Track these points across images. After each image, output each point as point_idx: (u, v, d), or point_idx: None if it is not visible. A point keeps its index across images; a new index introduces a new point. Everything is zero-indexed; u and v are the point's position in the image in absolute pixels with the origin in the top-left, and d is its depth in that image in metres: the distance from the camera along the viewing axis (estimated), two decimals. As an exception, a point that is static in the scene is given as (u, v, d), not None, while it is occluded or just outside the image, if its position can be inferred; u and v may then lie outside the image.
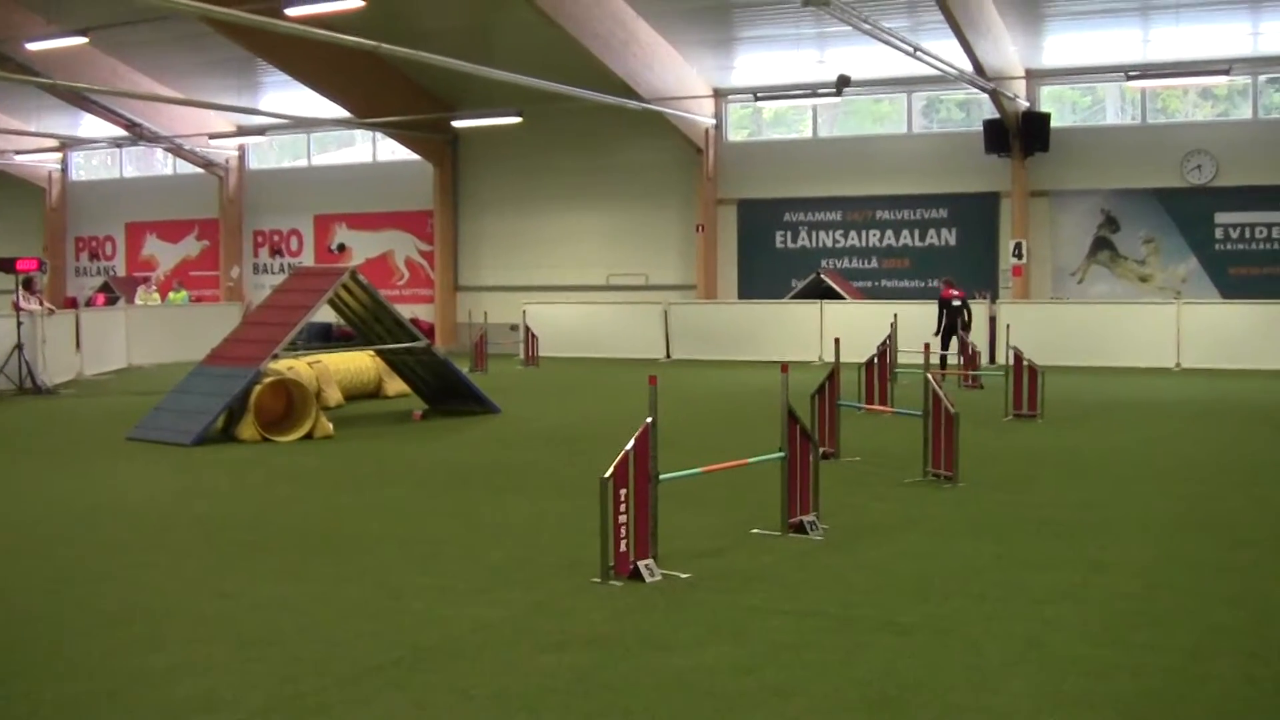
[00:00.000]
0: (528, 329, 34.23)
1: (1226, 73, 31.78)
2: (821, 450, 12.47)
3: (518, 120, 36.08)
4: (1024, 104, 34.64)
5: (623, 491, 8.72)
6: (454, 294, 43.02)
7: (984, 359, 28.25)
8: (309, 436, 17.62)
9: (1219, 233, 34.29)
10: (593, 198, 40.65)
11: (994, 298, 32.84)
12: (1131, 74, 32.50)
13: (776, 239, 38.73)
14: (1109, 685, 6.64)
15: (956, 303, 27.25)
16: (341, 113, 40.05)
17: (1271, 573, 9.25)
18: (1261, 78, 34.36)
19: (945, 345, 23.33)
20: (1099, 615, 8.05)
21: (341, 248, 44.77)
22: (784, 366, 10.53)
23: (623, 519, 8.73)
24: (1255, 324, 29.80)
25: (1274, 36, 32.87)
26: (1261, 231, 33.88)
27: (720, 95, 38.83)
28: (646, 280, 39.58)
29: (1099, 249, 35.42)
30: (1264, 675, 6.77)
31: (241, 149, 46.46)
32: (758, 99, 36.14)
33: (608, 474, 8.62)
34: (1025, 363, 19.69)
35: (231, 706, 6.39)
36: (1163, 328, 30.22)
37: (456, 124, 39.36)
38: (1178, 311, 30.34)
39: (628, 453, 8.75)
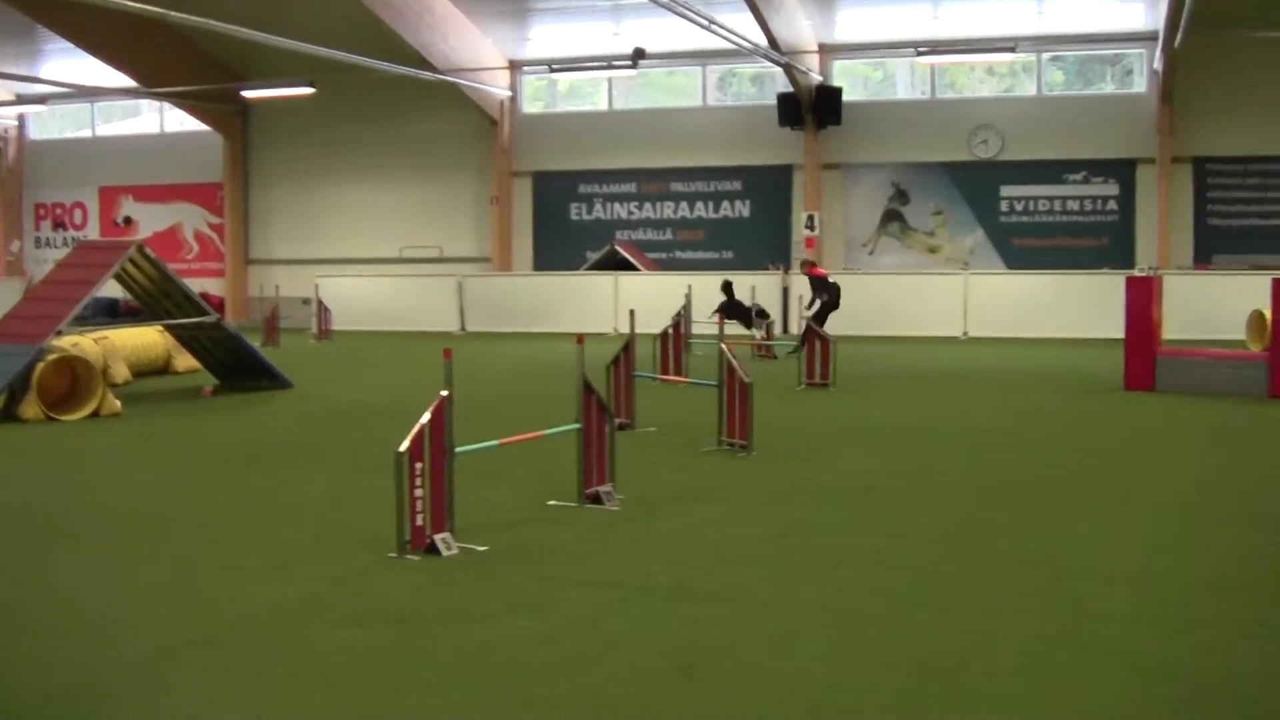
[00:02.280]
0: (320, 302, 33.80)
1: (1012, 50, 32.69)
2: (617, 421, 12.54)
3: (310, 91, 35.55)
4: (817, 78, 35.20)
5: (418, 465, 8.65)
6: (245, 267, 42.33)
7: (777, 329, 28.68)
8: (95, 415, 17.17)
9: (1004, 205, 35.38)
10: (386, 170, 40.28)
11: (787, 269, 33.33)
12: (921, 50, 33.23)
13: (571, 211, 38.83)
14: (908, 646, 6.78)
15: (832, 279, 26.63)
16: (127, 82, 38.98)
17: (1065, 534, 9.54)
18: (1045, 55, 35.43)
19: (821, 322, 23.40)
20: (897, 579, 8.23)
21: (128, 221, 43.67)
22: (580, 338, 10.56)
23: (419, 493, 8.68)
24: (1038, 294, 30.77)
25: (1057, 15, 33.88)
26: (1044, 204, 35.03)
27: (515, 67, 38.77)
28: (441, 253, 39.37)
29: (889, 221, 36.25)
30: (1056, 631, 6.99)
31: (21, 118, 45.01)
32: (553, 71, 36.13)
33: (403, 448, 8.56)
34: (818, 333, 20.03)
35: (21, 696, 6.23)
36: (951, 298, 31.02)
37: (247, 94, 38.62)
38: (965, 282, 31.16)
39: (423, 426, 8.70)
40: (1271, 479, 12.06)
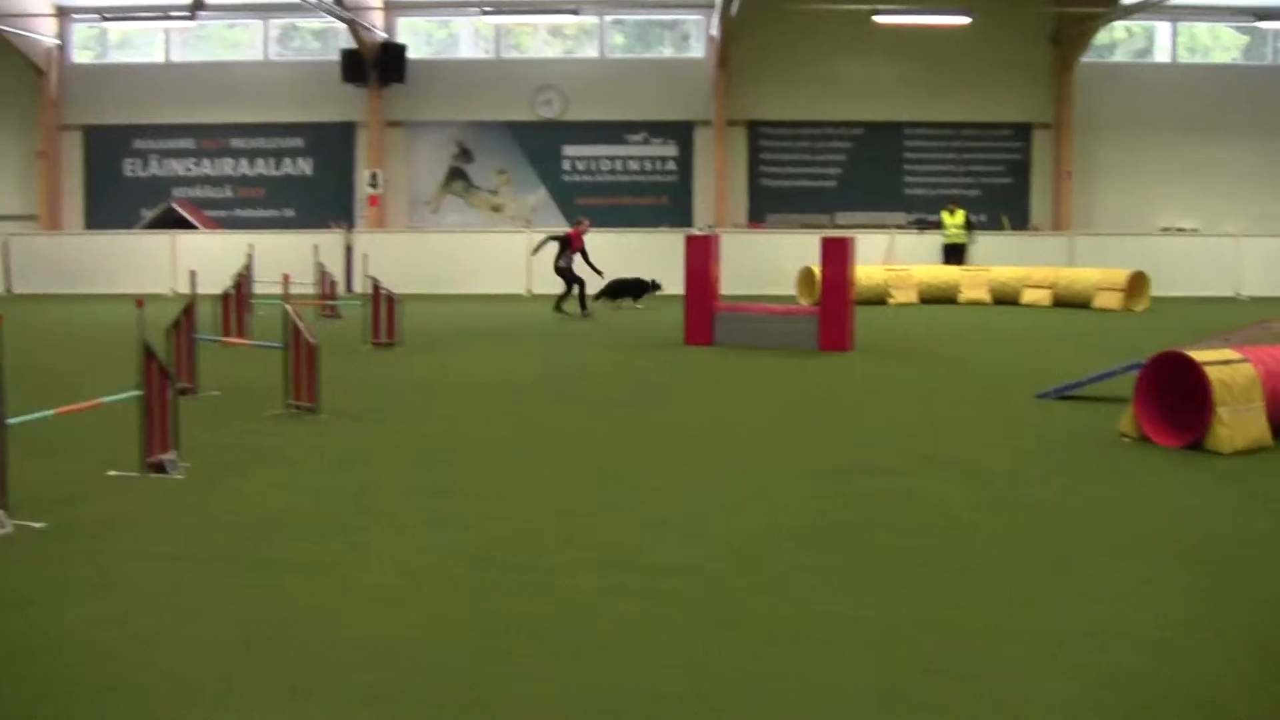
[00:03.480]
0: None
1: (575, 13, 33.27)
2: (180, 386, 12.21)
3: None
4: (381, 35, 34.93)
5: (-34, 439, 8.25)
6: None
7: (341, 288, 28.42)
8: None
9: (566, 165, 36.05)
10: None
11: (351, 226, 33.04)
12: (486, 9, 33.42)
13: (126, 167, 37.36)
14: (487, 604, 6.91)
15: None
16: None
17: (630, 487, 9.84)
18: (608, 18, 36.16)
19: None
20: (474, 539, 8.34)
21: None
22: (139, 301, 10.24)
23: (-33, 468, 8.27)
24: (601, 251, 31.36)
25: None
26: (606, 164, 35.89)
27: (64, 14, 36.92)
28: (-19, 210, 37.28)
29: (453, 179, 36.40)
30: (619, 584, 7.24)
31: None
32: (105, 19, 34.63)
33: (-51, 421, 8.14)
34: (383, 292, 19.98)
35: None
36: (515, 255, 31.39)
37: None
38: (528, 240, 31.59)
39: (-29, 398, 8.28)
40: (822, 428, 12.77)
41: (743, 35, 34.61)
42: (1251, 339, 13.50)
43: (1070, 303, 28.44)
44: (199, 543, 8.29)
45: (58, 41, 36.94)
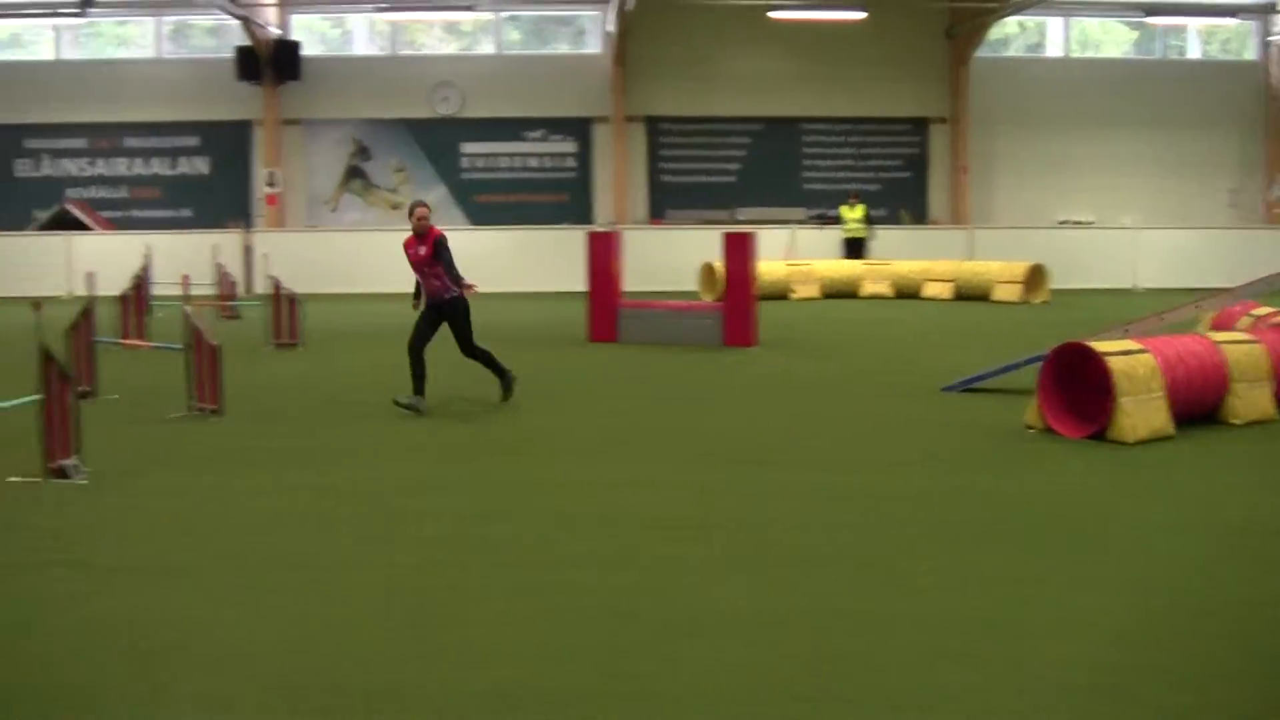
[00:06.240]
0: None
1: (471, 9, 33.19)
2: (80, 389, 12.04)
3: None
4: (275, 32, 34.60)
5: None
6: None
7: (241, 289, 28.14)
8: None
9: (465, 162, 35.94)
10: None
11: (249, 226, 32.71)
12: (381, 6, 33.24)
13: (16, 167, 36.62)
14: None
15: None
16: None
17: (521, 480, 9.85)
18: (503, 14, 36.08)
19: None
20: (342, 535, 8.32)
21: None
22: (37, 304, 10.10)
23: None
24: (501, 249, 31.45)
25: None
26: (505, 161, 35.85)
27: (-51, 12, 36.15)
28: None
29: (352, 177, 36.14)
30: (528, 580, 7.24)
31: None
32: (-8, 16, 33.99)
33: None
34: (284, 292, 19.80)
35: None
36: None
37: None
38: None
39: None
40: (724, 422, 12.84)
41: (640, 31, 34.66)
42: (1150, 330, 13.73)
43: (971, 296, 28.77)
44: (102, 549, 8.18)
45: (-56, 39, 36.26)
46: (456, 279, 13.52)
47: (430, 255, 13.41)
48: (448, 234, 13.68)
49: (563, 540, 8.26)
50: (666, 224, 34.77)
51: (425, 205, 13.57)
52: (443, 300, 13.63)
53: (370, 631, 6.49)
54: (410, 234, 13.57)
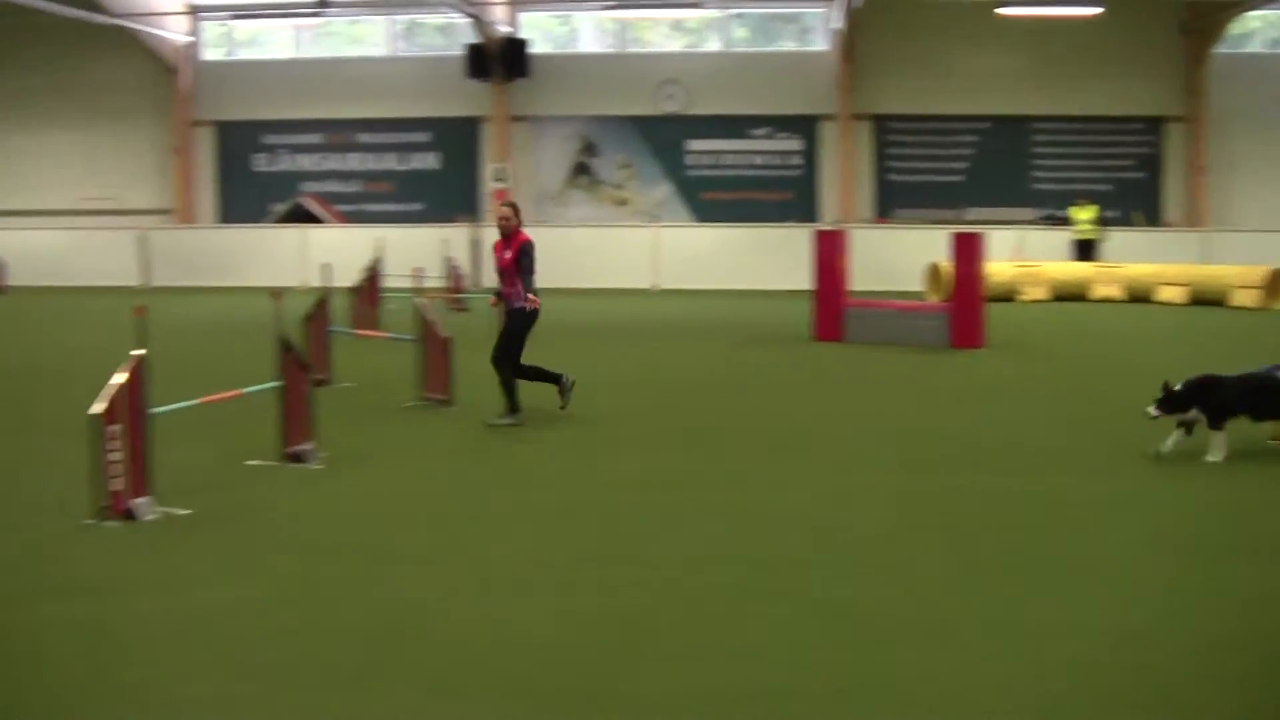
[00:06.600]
0: (-7, 256, 32.28)
1: (697, 6, 33.22)
2: (315, 377, 12.32)
3: (-29, 33, 33.76)
4: (505, 30, 35.07)
5: (113, 428, 8.35)
6: (-97, 219, 39.93)
7: (468, 282, 28.56)
8: None
9: (690, 159, 35.95)
10: (61, 118, 38.35)
11: (477, 221, 33.22)
12: (609, 4, 33.46)
13: (256, 162, 37.82)
14: (615, 600, 6.91)
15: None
16: None
17: (754, 483, 9.80)
18: (730, 11, 36.05)
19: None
20: (600, 532, 8.33)
21: None
22: (277, 294, 10.37)
23: (115, 456, 8.38)
24: (726, 246, 31.45)
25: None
26: (730, 158, 35.77)
27: (195, 12, 37.47)
28: (119, 204, 37.86)
29: (578, 174, 36.45)
30: (747, 582, 7.18)
31: None
32: (236, 17, 35.15)
33: (97, 410, 8.25)
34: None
35: None
36: (640, 250, 31.43)
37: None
38: (655, 235, 31.62)
39: (119, 386, 8.40)
40: (949, 424, 12.61)
41: (867, 27, 34.32)
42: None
43: (1207, 300, 27.81)
44: (335, 532, 8.37)
45: (189, 39, 37.51)
46: (529, 289, 12.83)
47: (514, 262, 12.76)
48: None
49: (785, 541, 8.18)
50: (892, 223, 34.37)
51: (509, 205, 13.00)
52: (511, 307, 12.90)
53: (607, 626, 6.50)
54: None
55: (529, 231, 13.06)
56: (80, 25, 33.02)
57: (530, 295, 12.69)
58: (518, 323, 12.77)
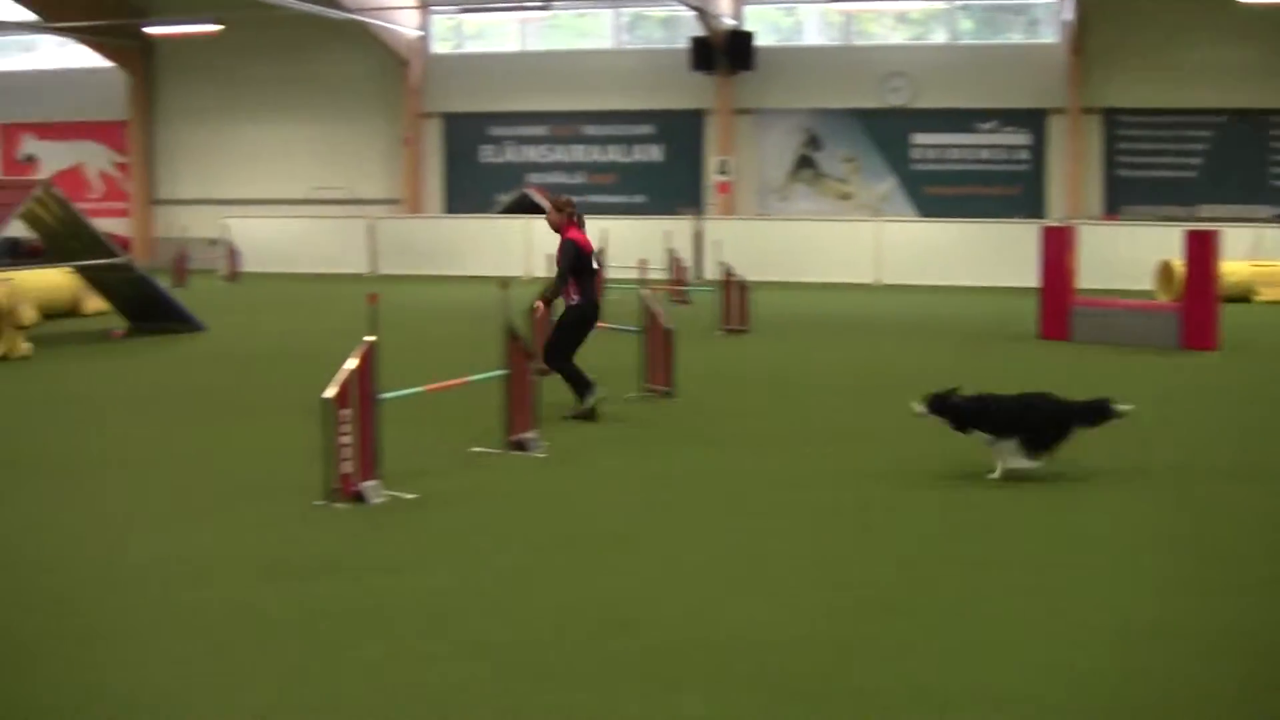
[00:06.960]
0: (229, 244, 33.31)
1: (923, -3, 32.83)
2: (539, 367, 12.42)
3: (216, 29, 34.88)
4: (729, 22, 35.06)
5: (344, 412, 8.53)
6: (150, 207, 41.52)
7: (691, 274, 28.63)
8: (4, 358, 16.81)
9: (915, 153, 35.51)
10: (295, 109, 39.56)
11: (700, 213, 33.30)
12: (834, -4, 33.27)
13: (482, 153, 38.45)
14: (847, 591, 6.83)
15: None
16: (27, 15, 37.95)
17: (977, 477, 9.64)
18: (956, 3, 35.52)
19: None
20: (829, 527, 8.26)
21: (30, 159, 42.64)
22: (505, 283, 10.49)
23: (346, 440, 8.56)
24: (950, 242, 30.99)
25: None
26: (955, 152, 35.22)
27: (425, 6, 38.21)
28: (350, 194, 38.85)
29: (802, 167, 36.27)
30: (994, 580, 7.05)
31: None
32: (464, 11, 35.75)
33: (330, 394, 8.44)
34: (735, 279, 20.03)
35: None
36: (864, 244, 31.18)
37: (150, 31, 37.79)
38: (878, 229, 31.33)
39: (349, 372, 8.58)
40: (1192, 428, 12.23)
41: (1098, 19, 33.42)
42: None
43: None
44: (559, 521, 8.43)
45: (420, 33, 38.29)
46: (559, 288, 12.57)
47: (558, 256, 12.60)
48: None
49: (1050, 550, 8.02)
50: (1122, 220, 33.47)
51: (558, 201, 13.15)
52: (567, 303, 12.55)
53: (840, 620, 6.44)
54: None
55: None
56: (315, 19, 33.91)
57: (544, 298, 12.75)
58: (568, 318, 12.50)
